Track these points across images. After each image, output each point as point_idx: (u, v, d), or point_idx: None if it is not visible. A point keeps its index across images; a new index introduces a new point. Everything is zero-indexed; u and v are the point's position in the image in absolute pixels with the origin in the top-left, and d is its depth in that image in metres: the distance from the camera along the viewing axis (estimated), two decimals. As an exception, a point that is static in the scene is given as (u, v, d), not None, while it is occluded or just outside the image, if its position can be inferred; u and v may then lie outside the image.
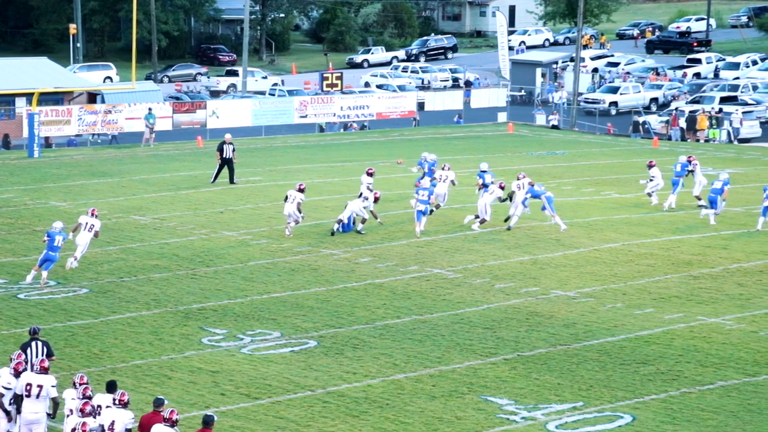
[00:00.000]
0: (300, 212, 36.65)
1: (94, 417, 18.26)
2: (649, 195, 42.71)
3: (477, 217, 38.28)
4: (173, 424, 18.07)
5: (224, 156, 45.39)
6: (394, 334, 27.35)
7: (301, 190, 36.95)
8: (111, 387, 19.40)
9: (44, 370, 19.86)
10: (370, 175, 39.17)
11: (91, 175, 48.70)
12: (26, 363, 20.47)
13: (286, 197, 36.93)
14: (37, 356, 21.21)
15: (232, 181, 45.67)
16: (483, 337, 27.20)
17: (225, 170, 46.04)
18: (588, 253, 35.40)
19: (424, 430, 21.67)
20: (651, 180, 42.53)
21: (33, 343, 21.72)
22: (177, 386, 23.56)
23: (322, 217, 39.89)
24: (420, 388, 23.82)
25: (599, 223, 39.58)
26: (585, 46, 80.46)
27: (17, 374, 19.81)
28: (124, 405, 18.63)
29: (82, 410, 18.09)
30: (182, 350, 25.92)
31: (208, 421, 17.98)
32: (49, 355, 21.59)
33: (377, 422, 21.97)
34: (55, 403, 19.56)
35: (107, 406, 18.79)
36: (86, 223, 32.46)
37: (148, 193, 44.37)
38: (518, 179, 38.71)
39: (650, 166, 42.81)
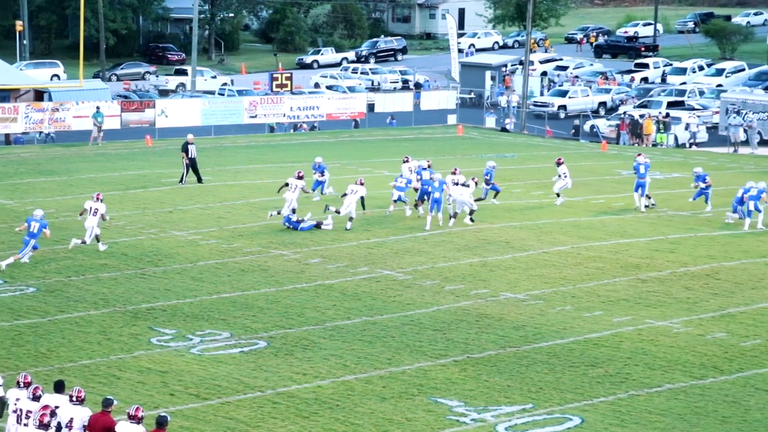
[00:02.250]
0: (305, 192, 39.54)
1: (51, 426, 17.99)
2: (558, 195, 43.54)
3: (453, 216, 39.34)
4: (139, 420, 17.96)
5: (190, 156, 45.57)
6: (344, 335, 27.33)
7: (300, 177, 39.16)
8: (59, 386, 19.21)
9: None
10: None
11: (39, 173, 48.29)
12: None
13: (286, 184, 39.00)
14: None
15: (199, 180, 45.89)
16: (433, 339, 27.24)
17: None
18: (537, 255, 35.56)
19: (374, 431, 21.67)
20: (560, 177, 43.40)
21: None
22: (126, 386, 23.40)
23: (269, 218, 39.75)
24: (370, 390, 23.81)
25: (548, 226, 39.77)
26: (531, 50, 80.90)
27: None
28: (81, 401, 18.49)
29: (41, 420, 17.80)
30: (131, 350, 25.75)
31: (161, 422, 17.87)
32: None
33: (327, 423, 21.94)
34: (2, 403, 19.35)
35: (56, 406, 18.63)
36: (90, 208, 34.01)
37: (95, 191, 43.97)
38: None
39: (559, 164, 43.70)
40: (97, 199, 34.43)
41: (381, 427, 21.86)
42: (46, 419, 17.79)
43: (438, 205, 38.88)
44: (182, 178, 45.78)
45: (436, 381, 24.42)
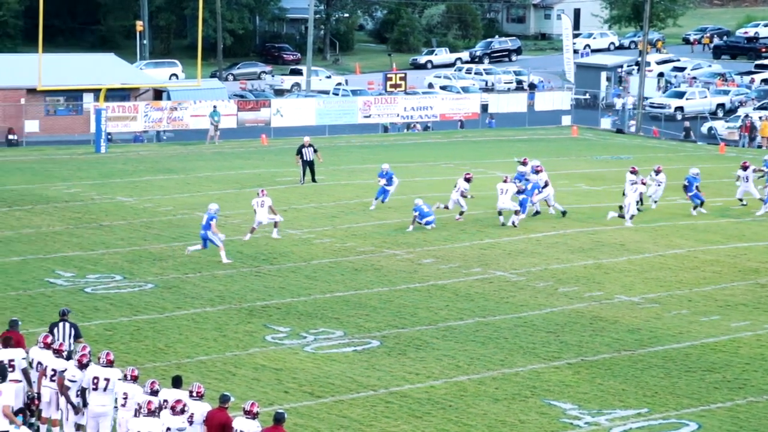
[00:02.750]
0: (465, 197, 39.32)
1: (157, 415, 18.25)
2: (655, 201, 42.68)
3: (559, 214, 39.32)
4: (254, 416, 18.17)
5: (304, 159, 45.89)
6: (456, 335, 27.31)
7: (467, 180, 39.56)
8: (177, 382, 19.52)
9: (110, 363, 20.02)
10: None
11: (157, 171, 49.10)
12: (53, 342, 20.71)
13: (455, 185, 39.71)
14: (64, 338, 21.80)
15: (313, 179, 46.11)
16: (546, 341, 27.08)
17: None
18: (653, 258, 35.13)
19: (487, 432, 21.62)
20: (659, 185, 42.51)
21: (61, 324, 22.33)
22: (241, 383, 23.67)
23: (385, 217, 39.93)
24: (483, 391, 23.76)
25: (664, 229, 39.26)
26: (648, 51, 79.90)
27: (82, 366, 19.98)
28: (201, 397, 18.80)
29: (173, 408, 18.11)
30: (246, 347, 26.04)
31: (279, 419, 18.01)
32: (77, 336, 22.01)
33: (440, 424, 21.94)
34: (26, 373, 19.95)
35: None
36: (258, 202, 36.00)
37: (212, 190, 44.64)
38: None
39: (657, 172, 42.72)
40: (262, 194, 36.32)
41: (494, 428, 21.80)
42: (179, 407, 18.11)
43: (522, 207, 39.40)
44: (302, 179, 46.07)
45: (550, 383, 24.27)
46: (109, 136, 57.57)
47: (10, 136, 57.17)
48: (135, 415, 19.06)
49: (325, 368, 24.83)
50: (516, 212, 38.88)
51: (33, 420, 20.80)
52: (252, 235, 36.11)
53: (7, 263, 32.66)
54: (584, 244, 36.66)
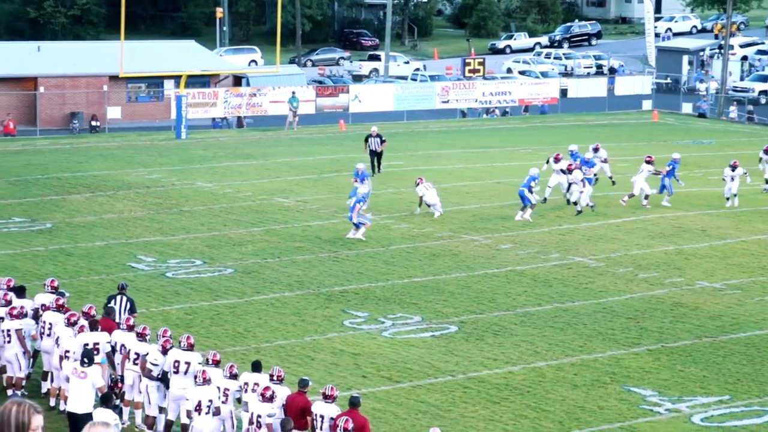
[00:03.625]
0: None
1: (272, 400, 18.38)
2: (727, 199, 40.29)
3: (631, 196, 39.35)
4: (333, 400, 18.26)
5: (370, 148, 45.39)
6: (535, 321, 27.21)
7: (649, 162, 39.55)
8: (257, 366, 19.66)
9: (190, 347, 20.23)
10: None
11: (236, 157, 49.45)
12: (135, 326, 21.13)
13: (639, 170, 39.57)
14: (123, 312, 22.36)
15: (378, 169, 45.50)
16: (626, 327, 26.88)
17: None
18: (735, 244, 34.70)
19: (565, 418, 21.51)
20: (732, 179, 40.19)
21: (119, 297, 22.94)
22: (320, 367, 23.79)
23: (462, 202, 39.86)
24: (561, 377, 23.65)
25: (747, 214, 38.76)
26: (732, 34, 78.72)
27: (165, 351, 20.21)
28: (281, 381, 18.94)
29: (263, 395, 18.27)
30: (324, 332, 26.17)
31: (355, 403, 18.06)
32: (132, 311, 22.36)
33: (518, 409, 21.88)
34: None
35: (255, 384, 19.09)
36: (425, 187, 37.14)
37: (291, 175, 44.88)
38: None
39: (734, 167, 40.40)
40: (420, 182, 37.58)
41: (572, 414, 21.69)
42: (268, 393, 18.24)
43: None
44: (372, 169, 44.81)
45: (629, 369, 24.09)
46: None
47: (93, 123, 57.92)
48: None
49: (403, 353, 24.87)
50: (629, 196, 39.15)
51: (116, 402, 21.08)
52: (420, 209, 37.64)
53: (90, 248, 33.13)
54: (665, 230, 36.31)
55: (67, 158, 47.95)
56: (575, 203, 38.69)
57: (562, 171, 39.45)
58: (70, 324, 20.93)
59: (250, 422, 18.25)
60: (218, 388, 19.09)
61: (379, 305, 28.25)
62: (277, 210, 38.55)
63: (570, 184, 39.20)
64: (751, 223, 37.54)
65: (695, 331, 26.63)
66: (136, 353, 20.47)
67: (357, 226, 34.56)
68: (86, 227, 35.62)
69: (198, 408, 18.79)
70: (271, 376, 19.00)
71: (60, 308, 21.74)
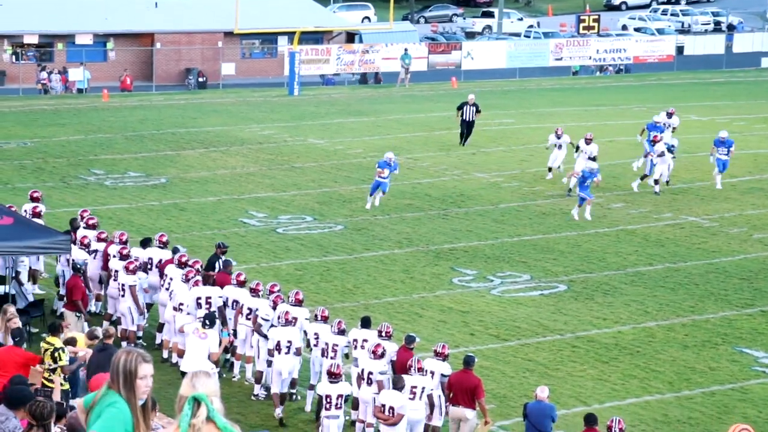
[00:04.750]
0: None
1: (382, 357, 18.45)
2: None
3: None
4: (445, 357, 18.31)
5: (464, 118, 41.64)
6: (645, 281, 26.95)
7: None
8: (366, 322, 19.80)
9: (299, 303, 20.44)
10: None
11: (348, 113, 49.62)
12: (247, 281, 21.53)
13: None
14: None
15: (465, 141, 41.60)
16: (739, 288, 26.50)
17: None
18: None
19: (675, 379, 21.32)
20: None
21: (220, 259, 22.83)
22: (428, 324, 23.88)
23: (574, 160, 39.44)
24: (672, 337, 23.42)
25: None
26: None
27: (275, 306, 20.45)
28: (389, 337, 19.03)
29: (374, 352, 18.36)
30: (433, 289, 26.24)
31: (468, 362, 18.02)
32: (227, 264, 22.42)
33: (627, 369, 21.74)
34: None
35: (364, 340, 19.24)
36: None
37: (402, 132, 44.89)
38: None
39: None
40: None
41: (683, 375, 21.49)
42: (380, 350, 18.27)
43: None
44: (461, 139, 41.82)
45: (742, 331, 23.77)
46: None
47: (201, 79, 58.47)
48: (323, 355, 19.45)
49: (511, 311, 24.85)
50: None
51: (228, 356, 21.43)
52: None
53: (203, 203, 33.60)
54: (781, 190, 35.59)
55: (181, 114, 48.59)
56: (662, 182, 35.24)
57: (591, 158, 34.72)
58: (187, 280, 21.25)
59: (360, 378, 18.40)
60: (304, 331, 19.75)
61: (488, 263, 28.22)
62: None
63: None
64: None
65: (811, 293, 26.17)
66: (248, 308, 20.74)
67: (581, 202, 31.39)
68: (199, 182, 36.11)
69: (278, 347, 19.11)
70: (380, 332, 19.13)
71: (182, 265, 22.04)
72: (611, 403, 20.16)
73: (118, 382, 7.37)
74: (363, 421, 18.28)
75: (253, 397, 20.22)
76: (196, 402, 6.55)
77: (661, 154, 35.04)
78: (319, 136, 43.81)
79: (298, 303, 20.46)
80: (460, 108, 42.05)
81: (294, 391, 20.14)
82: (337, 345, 19.27)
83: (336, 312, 22.77)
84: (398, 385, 17.32)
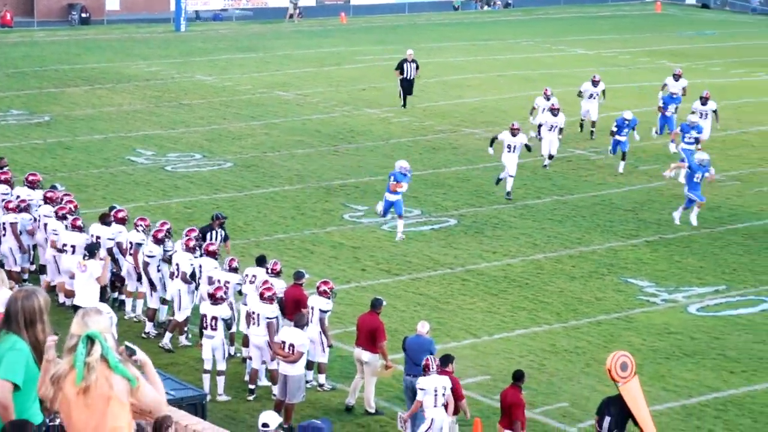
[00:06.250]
0: None
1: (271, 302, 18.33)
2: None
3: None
4: (326, 294, 18.23)
5: (405, 76, 38.26)
6: (534, 214, 27.27)
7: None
8: (261, 261, 19.74)
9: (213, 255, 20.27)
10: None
11: (236, 49, 49.11)
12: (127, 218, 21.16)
13: None
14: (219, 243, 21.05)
15: (404, 104, 38.19)
16: (624, 219, 26.95)
17: None
18: (736, 135, 34.61)
19: (563, 309, 21.67)
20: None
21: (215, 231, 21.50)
22: (319, 261, 23.91)
23: (463, 95, 39.67)
24: (559, 269, 23.77)
25: (749, 106, 38.59)
26: None
27: (158, 242, 20.18)
28: (278, 274, 18.96)
29: (262, 295, 18.18)
30: (324, 225, 26.25)
31: (375, 304, 18.00)
32: (225, 239, 21.66)
33: (516, 301, 22.03)
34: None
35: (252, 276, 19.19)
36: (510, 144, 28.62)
37: (291, 68, 44.63)
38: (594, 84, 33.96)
39: (705, 100, 32.82)
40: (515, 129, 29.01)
41: (570, 306, 21.84)
42: (268, 294, 18.04)
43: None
44: (403, 101, 38.17)
45: (627, 261, 24.21)
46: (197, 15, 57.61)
47: (84, 14, 57.24)
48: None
49: (402, 246, 24.97)
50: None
51: (116, 295, 21.25)
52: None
53: (89, 141, 33.09)
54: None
55: (65, 50, 47.65)
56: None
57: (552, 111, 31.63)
58: (59, 218, 20.92)
59: (249, 316, 18.35)
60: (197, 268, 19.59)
61: (379, 199, 28.23)
62: (277, 103, 38.42)
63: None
64: (753, 114, 37.42)
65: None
66: (130, 242, 20.55)
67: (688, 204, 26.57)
68: (85, 120, 35.53)
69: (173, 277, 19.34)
70: (267, 269, 19.07)
71: (49, 201, 21.64)
72: (500, 335, 20.44)
73: (18, 323, 7.29)
74: (250, 358, 18.30)
75: (143, 335, 20.09)
76: (90, 340, 6.47)
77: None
78: (207, 73, 43.33)
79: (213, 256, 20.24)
80: (399, 66, 38.48)
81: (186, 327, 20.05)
82: (228, 282, 19.17)
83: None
84: (300, 323, 17.32)
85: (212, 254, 19.68)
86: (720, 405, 17.88)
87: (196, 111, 37.11)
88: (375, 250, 24.71)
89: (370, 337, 17.61)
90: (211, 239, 20.86)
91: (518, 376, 15.69)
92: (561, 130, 31.15)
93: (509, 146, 28.32)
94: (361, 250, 24.66)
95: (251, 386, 18.17)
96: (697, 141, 29.83)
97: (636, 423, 14.84)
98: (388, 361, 17.62)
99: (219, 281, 19.09)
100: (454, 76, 42.68)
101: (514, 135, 28.37)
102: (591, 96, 34.28)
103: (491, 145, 29.08)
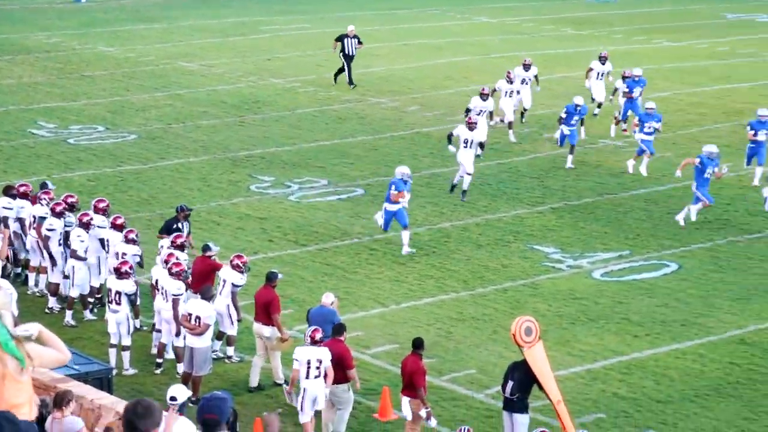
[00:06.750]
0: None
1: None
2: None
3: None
4: (242, 270, 18.11)
5: (346, 52, 36.77)
6: (441, 182, 27.35)
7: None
8: (167, 230, 19.63)
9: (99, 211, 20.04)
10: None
11: (138, 20, 48.50)
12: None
13: None
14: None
15: (350, 81, 36.51)
16: (530, 186, 27.16)
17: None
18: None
19: (470, 277, 21.81)
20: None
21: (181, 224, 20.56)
22: (225, 232, 23.78)
23: (370, 64, 39.60)
24: (466, 237, 23.90)
25: (649, 73, 38.96)
26: None
27: (58, 215, 19.90)
28: (180, 247, 18.76)
29: (170, 270, 17.92)
30: (230, 197, 26.10)
31: (270, 277, 17.88)
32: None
33: (423, 269, 22.12)
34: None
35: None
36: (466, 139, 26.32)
37: (195, 39, 44.20)
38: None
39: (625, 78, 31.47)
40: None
41: (477, 273, 21.99)
42: (175, 270, 17.85)
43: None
44: (336, 76, 36.90)
45: (533, 228, 24.43)
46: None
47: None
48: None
49: (309, 217, 24.93)
50: None
51: (19, 270, 20.97)
52: None
53: (-11, 116, 32.50)
54: (568, 89, 36.38)
55: (-37, 23, 46.69)
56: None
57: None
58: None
59: (154, 288, 18.21)
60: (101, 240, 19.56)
61: (286, 169, 28.20)
62: (181, 74, 38.05)
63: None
64: (653, 80, 37.75)
65: (597, 188, 27.03)
66: (33, 216, 20.27)
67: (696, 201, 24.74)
68: (-15, 94, 34.89)
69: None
70: (172, 242, 18.91)
71: None
72: (408, 304, 20.52)
73: None
74: (159, 330, 18.18)
75: (47, 311, 19.86)
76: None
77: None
78: (109, 44, 42.73)
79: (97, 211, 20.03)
80: (340, 42, 36.98)
81: (92, 299, 19.84)
82: (125, 254, 18.98)
83: (132, 222, 22.36)
84: (206, 295, 17.22)
85: (180, 247, 18.78)
86: (624, 368, 18.15)
87: (98, 83, 36.61)
88: (282, 221, 24.64)
89: (266, 311, 17.53)
90: (177, 231, 19.92)
91: (418, 344, 15.72)
92: (491, 114, 30.48)
93: (465, 141, 25.91)
94: (268, 221, 24.57)
95: (159, 360, 18.05)
96: (656, 131, 28.02)
97: (541, 387, 15.02)
98: (284, 334, 17.53)
99: (124, 255, 18.92)
100: (366, 46, 42.55)
101: (471, 129, 25.96)
102: (523, 81, 32.19)
103: (450, 143, 26.38)
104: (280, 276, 17.99)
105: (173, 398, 12.48)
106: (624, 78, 32.00)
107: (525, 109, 32.47)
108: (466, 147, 26.04)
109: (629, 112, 31.33)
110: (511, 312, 19.66)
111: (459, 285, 21.41)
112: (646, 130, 27.93)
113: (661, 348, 18.88)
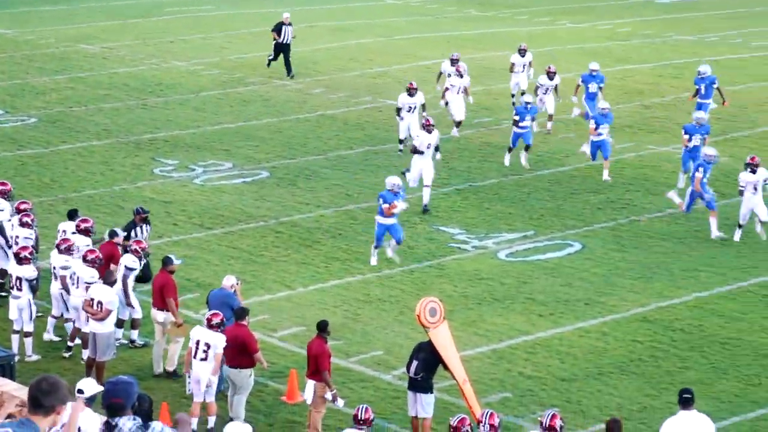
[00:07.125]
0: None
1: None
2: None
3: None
4: (140, 255, 17.95)
5: (282, 40, 35.93)
6: (346, 165, 27.36)
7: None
8: (73, 215, 19.40)
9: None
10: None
11: (38, 2, 47.72)
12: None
13: None
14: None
15: (289, 72, 35.72)
16: (436, 168, 27.20)
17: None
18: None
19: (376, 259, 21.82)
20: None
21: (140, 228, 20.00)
22: (129, 216, 23.40)
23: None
24: (372, 219, 23.85)
25: (555, 54, 39.38)
26: None
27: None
28: (84, 232, 18.55)
29: (84, 257, 17.61)
30: (134, 181, 25.85)
31: (166, 262, 17.65)
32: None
33: (330, 252, 22.12)
34: None
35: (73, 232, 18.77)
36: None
37: (96, 21, 43.62)
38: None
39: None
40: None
41: (383, 255, 21.99)
42: (90, 256, 17.54)
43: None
44: (270, 61, 36.30)
45: (438, 209, 24.53)
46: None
47: None
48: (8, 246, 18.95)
49: (214, 200, 24.78)
50: None
51: None
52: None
53: None
54: (477, 72, 36.59)
55: None
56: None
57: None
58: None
59: (53, 274, 18.02)
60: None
61: (190, 152, 27.99)
62: (82, 57, 37.54)
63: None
64: (556, 62, 38.09)
65: (502, 169, 27.22)
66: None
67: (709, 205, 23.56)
68: None
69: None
70: (77, 227, 18.69)
71: None
72: (315, 286, 20.50)
73: None
74: (56, 317, 18.01)
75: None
76: None
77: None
78: (6, 26, 42.01)
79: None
80: (277, 29, 36.09)
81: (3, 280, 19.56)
82: (18, 237, 18.75)
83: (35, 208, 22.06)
84: (109, 280, 17.02)
85: (85, 232, 18.43)
86: (529, 348, 18.33)
87: (-3, 66, 36.00)
88: (186, 204, 24.45)
89: (162, 295, 17.38)
90: (136, 236, 19.32)
91: (322, 327, 15.68)
92: (424, 106, 28.64)
93: (428, 145, 24.71)
94: (173, 205, 24.37)
95: (70, 343, 17.87)
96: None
97: (446, 367, 15.10)
98: (178, 319, 17.37)
99: (17, 238, 18.68)
100: (265, 27, 42.33)
101: (429, 132, 24.72)
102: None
103: (414, 152, 24.81)
104: (178, 261, 17.75)
105: (80, 390, 12.32)
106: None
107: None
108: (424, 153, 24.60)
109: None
110: (418, 293, 19.73)
111: (365, 267, 21.43)
112: (600, 130, 26.66)
113: (565, 327, 19.10)
